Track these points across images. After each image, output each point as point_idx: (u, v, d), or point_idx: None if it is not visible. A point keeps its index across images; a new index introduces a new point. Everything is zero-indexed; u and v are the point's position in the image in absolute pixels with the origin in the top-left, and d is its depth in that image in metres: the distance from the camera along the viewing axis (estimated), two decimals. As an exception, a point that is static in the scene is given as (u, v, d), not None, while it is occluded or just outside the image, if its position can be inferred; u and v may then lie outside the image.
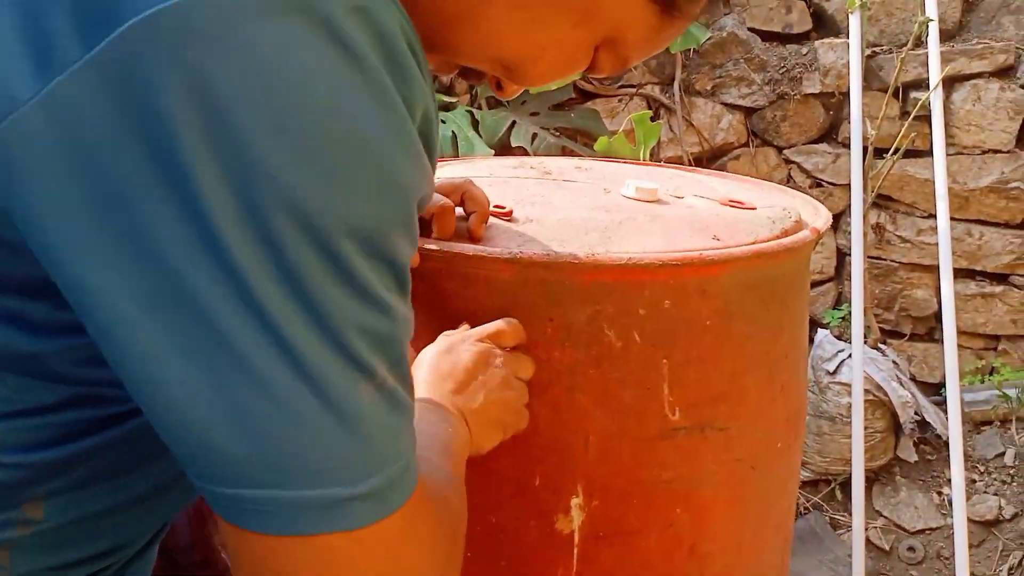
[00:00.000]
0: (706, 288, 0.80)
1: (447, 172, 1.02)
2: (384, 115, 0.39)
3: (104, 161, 0.36)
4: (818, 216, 1.01)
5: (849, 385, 2.02)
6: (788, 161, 2.50)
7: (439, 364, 0.69)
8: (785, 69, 2.42)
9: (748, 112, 2.49)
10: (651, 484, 0.83)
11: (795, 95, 2.41)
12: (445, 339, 0.73)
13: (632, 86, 2.44)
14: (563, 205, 0.91)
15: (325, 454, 0.39)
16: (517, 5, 0.50)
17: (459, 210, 0.84)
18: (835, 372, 2.13)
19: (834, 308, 2.51)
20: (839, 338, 2.25)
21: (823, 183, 2.49)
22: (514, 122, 2.15)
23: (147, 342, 0.37)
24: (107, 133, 0.35)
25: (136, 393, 0.40)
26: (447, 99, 2.20)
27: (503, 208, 0.87)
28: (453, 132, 2.01)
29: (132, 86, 0.35)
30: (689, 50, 2.38)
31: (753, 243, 0.86)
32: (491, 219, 0.86)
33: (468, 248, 0.79)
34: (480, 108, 2.20)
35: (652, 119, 1.98)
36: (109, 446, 0.48)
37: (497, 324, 0.75)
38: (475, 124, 2.09)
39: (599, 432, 0.81)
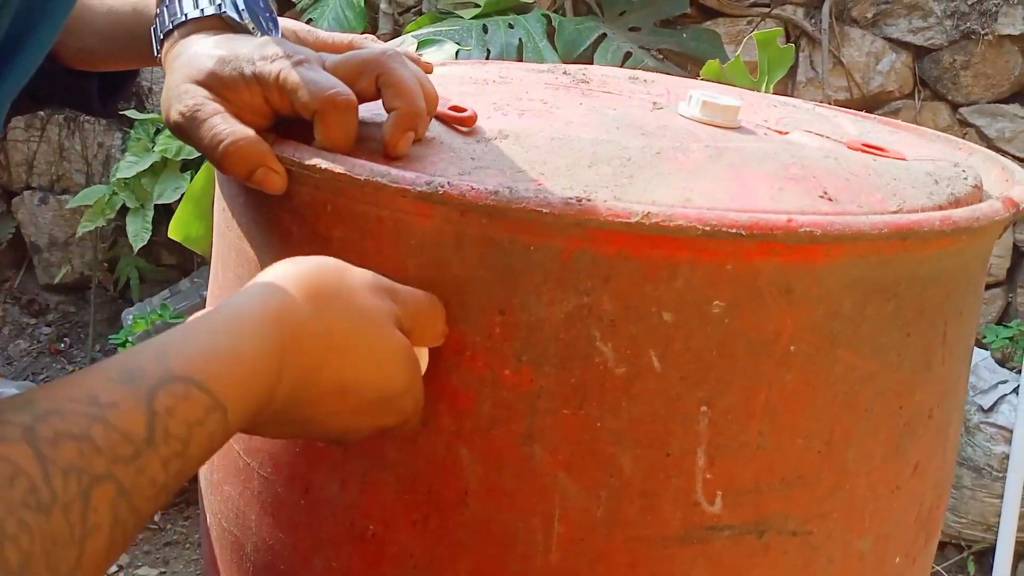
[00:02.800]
0: (795, 284, 0.50)
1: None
2: None
3: None
4: (1013, 182, 0.66)
5: (1007, 430, 1.83)
6: (964, 123, 2.29)
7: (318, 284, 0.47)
8: (976, 0, 2.20)
9: (919, 52, 2.27)
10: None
11: (985, 35, 2.18)
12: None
13: (766, 5, 2.14)
14: (573, 119, 0.59)
15: None
16: None
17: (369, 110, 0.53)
18: (991, 409, 1.91)
19: (999, 323, 2.28)
20: (1001, 364, 2.03)
21: (1007, 156, 2.15)
22: (604, 35, 1.82)
23: None
24: None
25: None
26: None
27: (461, 110, 0.56)
28: (521, 39, 1.72)
29: None
30: (848, -35, 2.05)
31: (897, 212, 0.53)
32: (434, 126, 0.55)
33: (365, 170, 0.49)
34: (563, 14, 1.88)
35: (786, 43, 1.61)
36: None
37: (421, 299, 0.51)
38: (552, 33, 1.77)
39: (573, 518, 0.53)
